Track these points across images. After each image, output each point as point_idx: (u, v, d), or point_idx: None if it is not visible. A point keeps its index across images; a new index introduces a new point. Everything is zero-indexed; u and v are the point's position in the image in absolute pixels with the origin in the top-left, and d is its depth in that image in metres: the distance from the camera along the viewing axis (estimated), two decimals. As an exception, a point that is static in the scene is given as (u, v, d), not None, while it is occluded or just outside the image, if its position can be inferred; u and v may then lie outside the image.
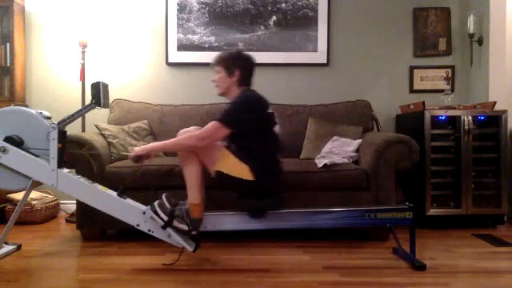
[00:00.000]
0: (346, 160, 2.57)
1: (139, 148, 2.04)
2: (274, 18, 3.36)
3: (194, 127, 2.10)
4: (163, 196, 2.05)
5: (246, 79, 2.15)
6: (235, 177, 2.00)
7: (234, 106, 2.06)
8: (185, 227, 2.00)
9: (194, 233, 2.03)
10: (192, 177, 2.04)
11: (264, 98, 2.11)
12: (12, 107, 2.16)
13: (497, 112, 2.86)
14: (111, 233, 2.67)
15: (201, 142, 1.98)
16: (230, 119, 2.00)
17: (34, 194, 3.04)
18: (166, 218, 1.98)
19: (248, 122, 2.02)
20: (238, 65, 2.12)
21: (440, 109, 2.91)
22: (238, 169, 2.01)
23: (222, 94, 2.18)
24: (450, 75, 3.25)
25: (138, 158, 2.04)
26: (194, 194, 2.03)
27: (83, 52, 3.16)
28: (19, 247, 2.31)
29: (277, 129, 2.15)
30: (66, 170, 2.12)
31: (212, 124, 1.99)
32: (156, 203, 2.02)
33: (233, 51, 2.18)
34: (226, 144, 2.11)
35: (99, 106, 2.12)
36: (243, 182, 2.00)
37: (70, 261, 2.13)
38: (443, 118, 2.86)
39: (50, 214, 3.08)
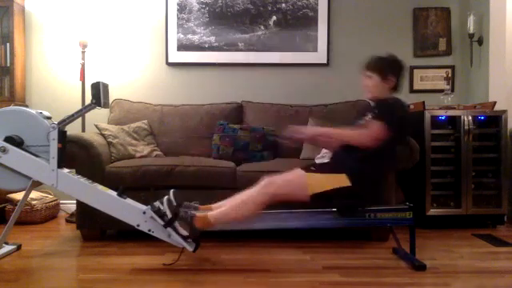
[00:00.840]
0: (346, 160, 2.56)
1: (312, 128, 2.05)
2: (274, 17, 3.36)
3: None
4: (171, 192, 2.02)
5: (399, 85, 2.14)
6: (334, 188, 1.94)
7: (395, 110, 2.03)
8: (184, 232, 1.97)
9: (189, 240, 1.99)
10: (251, 204, 1.94)
11: None
12: (12, 107, 2.16)
13: (497, 112, 2.86)
14: (111, 233, 2.67)
15: (370, 141, 1.94)
16: (394, 123, 1.97)
17: (33, 194, 3.03)
18: (170, 216, 1.95)
19: (399, 129, 2.02)
20: (393, 72, 2.10)
21: (440, 109, 2.91)
22: (333, 181, 1.96)
23: (372, 99, 2.16)
24: (450, 75, 3.25)
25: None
26: (227, 216, 1.94)
27: (83, 52, 3.16)
28: (19, 247, 2.31)
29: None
30: (66, 170, 2.12)
31: (377, 125, 1.95)
32: (165, 199, 1.98)
33: (387, 56, 2.14)
34: (310, 167, 2.09)
35: (99, 106, 2.12)
36: (343, 189, 1.95)
37: (69, 261, 2.13)
38: (443, 117, 2.86)
39: (50, 213, 3.08)
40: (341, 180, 1.96)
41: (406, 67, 2.17)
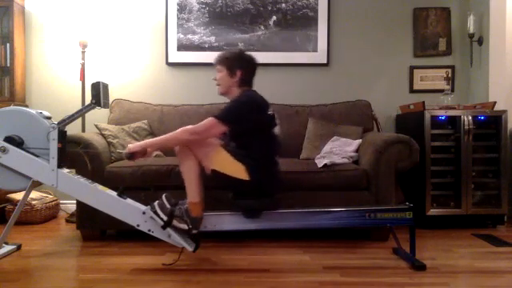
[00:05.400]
0: (345, 160, 2.57)
1: (133, 145, 2.03)
2: (274, 17, 3.36)
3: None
4: (163, 196, 2.05)
5: (247, 80, 2.16)
6: (231, 176, 2.00)
7: (233, 105, 2.06)
8: (185, 226, 1.99)
9: (194, 232, 2.01)
10: (190, 174, 2.02)
11: (264, 99, 2.12)
12: (12, 107, 2.16)
13: (497, 112, 2.86)
14: (111, 233, 2.67)
15: (194, 136, 1.97)
16: (227, 117, 2.00)
17: (33, 194, 3.03)
18: (165, 218, 1.97)
19: (246, 121, 2.02)
20: (240, 65, 2.12)
21: (440, 109, 2.91)
22: (234, 168, 2.00)
23: (223, 94, 2.18)
24: (450, 75, 3.25)
25: (132, 156, 2.01)
26: (192, 192, 2.02)
27: (83, 52, 3.16)
28: (19, 247, 2.31)
29: (276, 130, 2.15)
30: (66, 170, 2.12)
31: (208, 120, 1.99)
32: (156, 203, 2.01)
33: (235, 51, 2.18)
34: (224, 143, 2.11)
35: (99, 106, 2.12)
36: (238, 181, 2.00)
37: (70, 261, 2.13)
38: (443, 117, 2.86)
39: (49, 213, 3.08)
40: (240, 171, 2.00)
41: (256, 63, 2.17)
